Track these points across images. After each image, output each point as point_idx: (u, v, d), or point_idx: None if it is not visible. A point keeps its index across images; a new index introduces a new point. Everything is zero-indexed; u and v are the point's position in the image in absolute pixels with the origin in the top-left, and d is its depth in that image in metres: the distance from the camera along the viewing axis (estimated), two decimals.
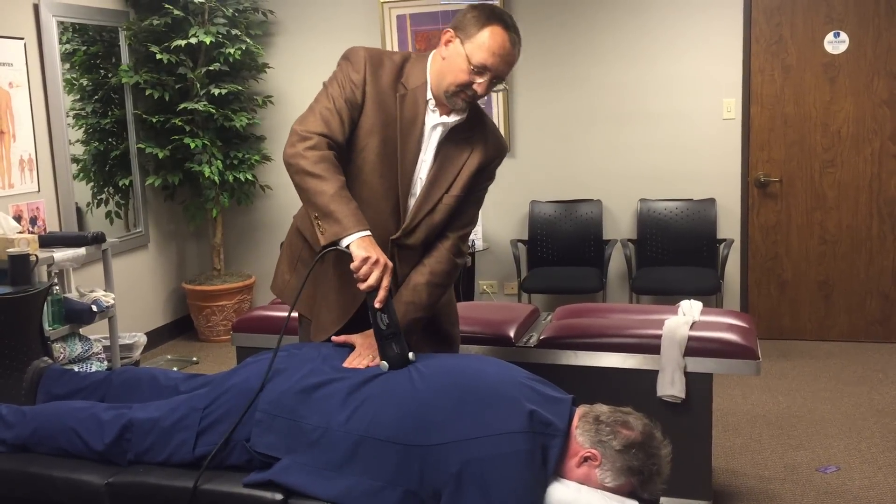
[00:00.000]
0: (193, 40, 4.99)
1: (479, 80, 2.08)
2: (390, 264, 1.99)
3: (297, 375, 1.97)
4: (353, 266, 1.95)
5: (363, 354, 2.06)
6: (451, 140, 2.21)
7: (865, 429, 3.79)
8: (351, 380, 1.94)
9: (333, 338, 2.17)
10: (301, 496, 1.83)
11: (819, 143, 4.96)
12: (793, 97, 4.95)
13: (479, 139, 2.24)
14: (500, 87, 2.16)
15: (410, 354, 2.00)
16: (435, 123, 2.18)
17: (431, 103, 2.17)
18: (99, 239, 4.12)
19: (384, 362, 1.98)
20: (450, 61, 2.10)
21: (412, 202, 2.21)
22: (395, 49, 5.41)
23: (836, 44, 4.86)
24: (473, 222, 2.34)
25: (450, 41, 2.11)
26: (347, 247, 1.97)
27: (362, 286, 1.96)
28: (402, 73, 2.18)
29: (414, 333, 2.20)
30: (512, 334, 2.94)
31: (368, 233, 1.99)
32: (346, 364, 2.03)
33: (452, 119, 2.18)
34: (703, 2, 4.96)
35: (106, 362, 4.15)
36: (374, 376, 1.95)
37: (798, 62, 4.92)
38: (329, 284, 2.23)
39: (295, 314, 2.28)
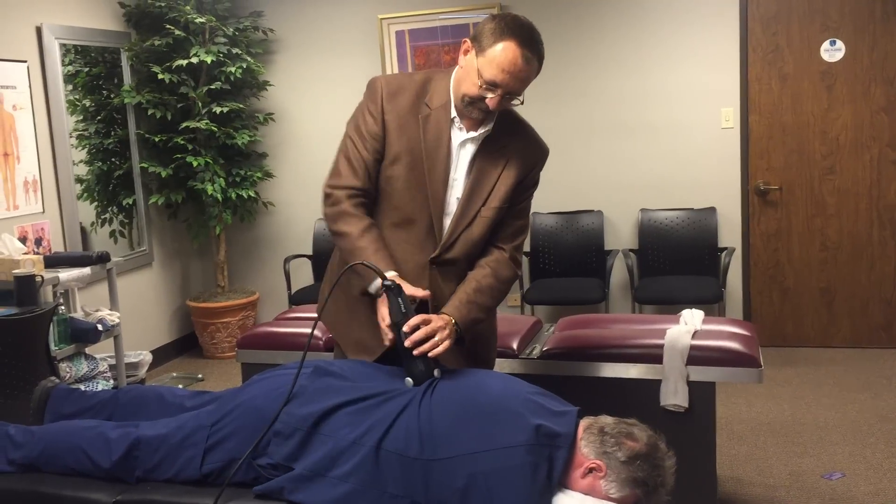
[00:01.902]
0: (195, 60, 5.03)
1: (490, 95, 2.04)
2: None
3: (315, 391, 1.99)
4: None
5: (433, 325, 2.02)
6: (486, 151, 2.17)
7: (870, 435, 3.79)
8: (369, 400, 1.95)
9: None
10: None
11: (818, 151, 4.98)
12: (791, 105, 4.98)
13: (515, 148, 2.19)
14: (516, 102, 2.11)
15: (436, 371, 2.01)
16: (462, 140, 2.15)
17: (457, 121, 2.14)
18: (103, 258, 4.15)
19: (409, 379, 2.00)
20: (465, 72, 2.08)
21: (447, 221, 2.18)
22: (395, 65, 5.45)
23: (832, 52, 4.89)
24: (524, 232, 2.30)
25: (468, 51, 2.08)
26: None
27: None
28: (425, 92, 2.15)
29: (469, 333, 2.17)
30: (515, 346, 2.95)
31: (387, 276, 2.01)
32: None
33: (480, 132, 2.14)
34: (699, 12, 5.00)
35: (112, 381, 4.17)
36: (389, 396, 1.96)
37: (795, 70, 4.95)
38: (363, 306, 2.22)
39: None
